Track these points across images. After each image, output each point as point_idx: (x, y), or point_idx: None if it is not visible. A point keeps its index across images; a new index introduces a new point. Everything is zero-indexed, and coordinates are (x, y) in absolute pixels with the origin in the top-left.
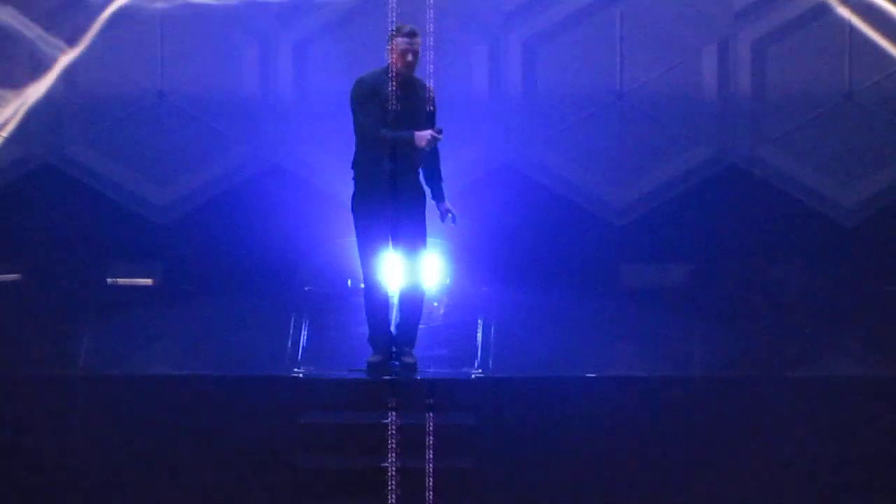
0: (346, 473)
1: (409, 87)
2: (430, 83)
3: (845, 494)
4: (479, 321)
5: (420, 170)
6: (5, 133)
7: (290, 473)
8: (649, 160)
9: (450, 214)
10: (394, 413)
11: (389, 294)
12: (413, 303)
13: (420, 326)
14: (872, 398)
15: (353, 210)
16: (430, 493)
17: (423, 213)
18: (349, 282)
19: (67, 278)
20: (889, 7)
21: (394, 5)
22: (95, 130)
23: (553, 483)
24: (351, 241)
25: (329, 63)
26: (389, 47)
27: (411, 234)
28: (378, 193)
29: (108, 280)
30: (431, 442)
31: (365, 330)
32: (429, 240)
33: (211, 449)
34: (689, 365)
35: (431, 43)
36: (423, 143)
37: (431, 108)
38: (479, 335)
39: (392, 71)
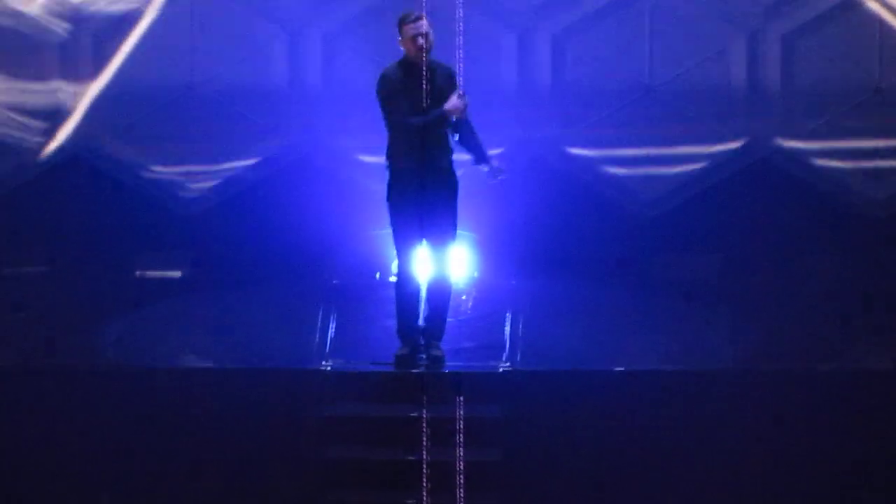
0: (374, 466)
1: (431, 71)
2: (451, 64)
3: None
4: (507, 314)
5: (458, 141)
6: (37, 125)
7: (318, 466)
8: (679, 153)
9: (500, 170)
10: (423, 407)
11: (420, 286)
12: (441, 295)
13: (448, 319)
14: None
15: (388, 201)
16: (460, 487)
17: (456, 206)
18: (377, 274)
19: (96, 270)
20: None
21: None
22: (125, 123)
23: (580, 476)
24: (379, 233)
25: (358, 54)
26: (400, 39)
27: (442, 227)
28: (412, 185)
29: (137, 273)
30: (461, 436)
31: (392, 323)
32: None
33: (238, 441)
34: (718, 358)
35: (461, 34)
36: (456, 111)
37: (455, 86)
38: (507, 328)
39: (409, 59)
